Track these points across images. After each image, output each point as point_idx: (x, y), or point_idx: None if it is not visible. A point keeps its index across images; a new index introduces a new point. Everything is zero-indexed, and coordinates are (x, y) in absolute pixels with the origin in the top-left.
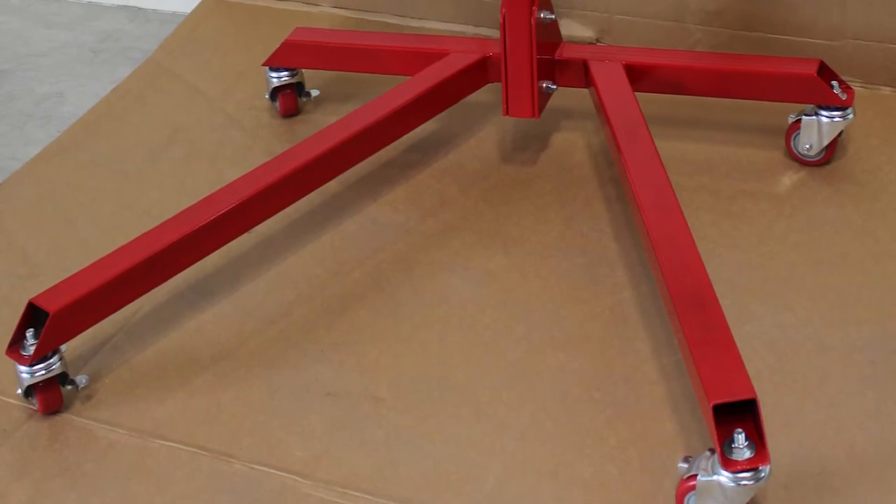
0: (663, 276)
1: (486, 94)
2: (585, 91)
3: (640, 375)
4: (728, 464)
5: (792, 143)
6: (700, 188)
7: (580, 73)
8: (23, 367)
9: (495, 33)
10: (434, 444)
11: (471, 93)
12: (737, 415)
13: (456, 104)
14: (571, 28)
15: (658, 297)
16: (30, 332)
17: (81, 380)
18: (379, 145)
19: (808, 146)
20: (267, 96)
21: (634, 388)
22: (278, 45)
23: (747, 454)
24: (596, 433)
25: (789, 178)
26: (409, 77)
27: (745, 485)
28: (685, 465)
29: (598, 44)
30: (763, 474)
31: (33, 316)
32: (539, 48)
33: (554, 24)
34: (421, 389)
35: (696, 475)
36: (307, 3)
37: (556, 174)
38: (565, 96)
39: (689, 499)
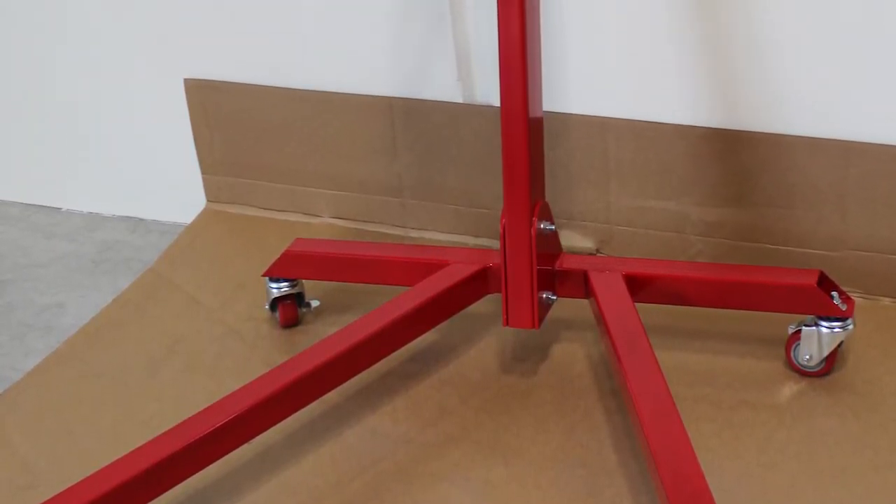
0: (663, 487)
1: (486, 305)
2: (586, 301)
3: None
4: None
5: (792, 354)
6: (701, 399)
7: (580, 284)
8: None
9: (495, 244)
10: None
11: (471, 303)
12: None
13: (456, 314)
14: (571, 239)
15: None
16: None
17: None
18: (379, 356)
19: (808, 357)
20: (267, 307)
21: None
22: (278, 256)
23: None
24: None
25: (790, 388)
26: (409, 288)
27: None
28: None
29: (599, 254)
30: None
31: None
32: (539, 259)
33: (554, 234)
34: None
35: None
36: (307, 214)
37: (556, 385)
38: (565, 307)
39: None
